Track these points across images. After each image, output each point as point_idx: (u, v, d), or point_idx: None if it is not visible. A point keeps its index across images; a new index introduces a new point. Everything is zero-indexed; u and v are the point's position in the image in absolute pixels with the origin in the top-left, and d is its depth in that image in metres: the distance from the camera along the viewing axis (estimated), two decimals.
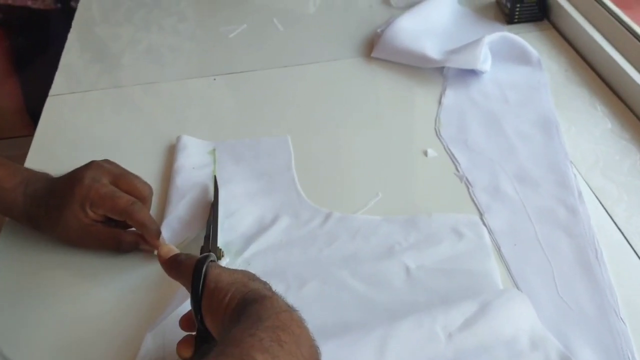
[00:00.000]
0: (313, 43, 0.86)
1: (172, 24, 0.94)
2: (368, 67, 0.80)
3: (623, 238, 0.54)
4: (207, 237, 0.52)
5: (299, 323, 0.37)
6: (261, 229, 0.57)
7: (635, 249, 0.53)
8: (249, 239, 0.56)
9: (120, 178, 0.55)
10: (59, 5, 1.22)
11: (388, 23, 0.83)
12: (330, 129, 0.70)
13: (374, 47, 0.81)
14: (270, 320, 0.35)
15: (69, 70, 0.84)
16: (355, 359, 0.44)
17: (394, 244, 0.55)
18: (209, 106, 0.76)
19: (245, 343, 0.33)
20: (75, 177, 0.54)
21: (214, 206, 0.56)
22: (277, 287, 0.51)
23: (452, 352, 0.45)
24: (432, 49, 0.77)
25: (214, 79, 0.80)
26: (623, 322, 0.47)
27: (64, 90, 0.80)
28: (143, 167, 0.61)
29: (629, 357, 0.45)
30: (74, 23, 0.96)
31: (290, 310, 0.38)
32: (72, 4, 1.20)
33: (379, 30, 0.84)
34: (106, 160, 0.56)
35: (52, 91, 0.80)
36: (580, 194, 0.58)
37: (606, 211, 0.57)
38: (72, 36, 0.92)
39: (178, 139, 0.67)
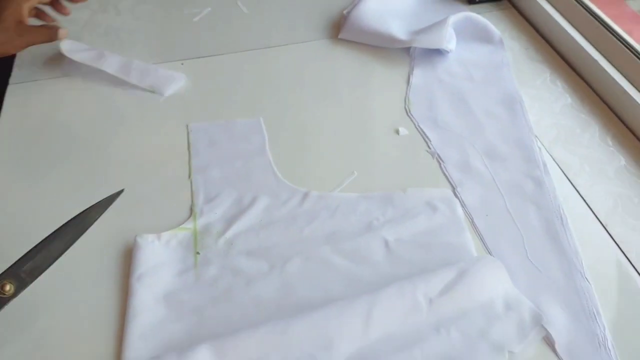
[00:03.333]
0: (279, 25, 0.86)
1: (129, 7, 0.92)
2: (335, 48, 0.81)
3: (586, 206, 0.58)
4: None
5: None
6: (241, 210, 0.58)
7: (597, 215, 0.57)
8: (230, 220, 0.57)
9: None
10: None
11: (354, 4, 0.84)
12: (301, 110, 0.71)
13: (340, 29, 0.82)
14: None
15: (26, 57, 0.81)
16: (342, 328, 0.46)
17: (372, 219, 0.56)
18: (179, 90, 0.75)
19: None
20: None
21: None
22: (261, 265, 0.53)
23: (433, 317, 0.47)
24: (398, 29, 0.78)
25: (182, 64, 0.80)
26: (588, 281, 0.51)
27: (24, 79, 0.77)
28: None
29: (593, 313, 0.49)
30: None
31: None
32: None
33: (345, 12, 0.85)
34: None
35: (11, 79, 0.77)
36: (545, 166, 0.61)
37: (570, 181, 0.60)
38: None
39: None
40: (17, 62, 0.81)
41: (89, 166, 0.63)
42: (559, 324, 0.48)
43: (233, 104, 0.72)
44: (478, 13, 0.82)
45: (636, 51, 0.67)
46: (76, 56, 0.76)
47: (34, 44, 0.70)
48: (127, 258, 0.54)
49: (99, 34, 0.85)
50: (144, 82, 0.74)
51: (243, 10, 0.91)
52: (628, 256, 0.53)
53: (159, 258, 0.54)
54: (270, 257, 0.54)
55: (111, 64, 0.75)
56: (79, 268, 0.53)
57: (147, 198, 0.60)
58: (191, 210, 0.58)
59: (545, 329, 0.47)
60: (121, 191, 0.52)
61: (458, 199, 0.59)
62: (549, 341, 0.47)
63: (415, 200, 0.58)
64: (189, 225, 0.57)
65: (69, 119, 0.71)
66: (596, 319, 0.48)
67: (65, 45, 0.76)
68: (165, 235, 0.55)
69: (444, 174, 0.62)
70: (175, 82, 0.75)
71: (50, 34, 0.70)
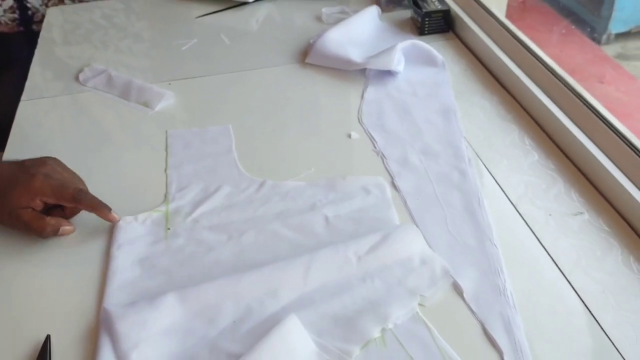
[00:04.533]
0: (256, 53, 1.00)
1: (128, 44, 1.05)
2: (303, 71, 0.94)
3: (501, 190, 0.69)
4: None
5: None
6: (206, 196, 0.69)
7: (509, 197, 0.68)
8: (196, 204, 0.68)
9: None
10: (21, 28, 1.31)
11: (319, 35, 0.98)
12: (269, 120, 0.83)
13: (307, 55, 0.95)
14: None
15: (33, 88, 0.94)
16: (286, 278, 0.57)
17: (316, 201, 0.68)
18: (165, 105, 0.88)
19: None
20: (28, 171, 0.62)
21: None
22: (221, 237, 0.64)
23: (360, 270, 0.58)
24: (356, 54, 0.92)
25: (169, 84, 0.92)
26: (496, 247, 0.62)
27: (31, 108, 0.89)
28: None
29: (497, 270, 0.59)
30: (38, 45, 1.06)
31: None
32: (34, 27, 1.30)
33: (311, 41, 0.98)
34: (54, 159, 0.66)
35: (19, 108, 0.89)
36: (470, 160, 0.73)
37: (490, 172, 0.72)
38: (36, 57, 1.02)
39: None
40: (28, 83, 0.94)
41: (90, 161, 0.75)
42: (469, 278, 0.59)
43: (210, 116, 0.85)
44: (427, 42, 0.95)
45: (551, 68, 0.80)
46: (90, 83, 0.89)
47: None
48: (110, 234, 0.65)
49: (100, 65, 0.98)
50: (140, 99, 0.87)
51: (225, 41, 1.04)
52: (532, 228, 0.64)
53: (136, 233, 0.64)
54: (228, 231, 0.64)
55: (116, 86, 0.88)
56: (70, 239, 0.64)
57: (129, 187, 0.71)
58: (165, 197, 0.69)
59: (452, 278, 0.58)
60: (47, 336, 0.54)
61: (395, 187, 0.70)
62: (459, 291, 0.58)
63: (353, 185, 0.69)
64: (162, 208, 0.68)
65: (79, 125, 0.83)
66: (499, 274, 0.59)
67: (82, 75, 0.90)
68: (141, 215, 0.66)
69: (386, 168, 0.73)
70: (165, 98, 0.87)
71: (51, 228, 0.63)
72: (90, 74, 0.92)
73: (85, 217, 0.66)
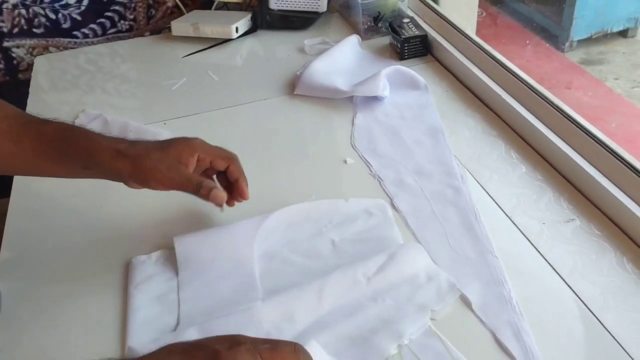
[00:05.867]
0: (245, 87, 1.03)
1: (114, 86, 1.08)
2: (292, 102, 0.97)
3: (495, 204, 0.72)
4: None
5: None
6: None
7: (503, 209, 0.71)
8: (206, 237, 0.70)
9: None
10: (7, 77, 1.32)
11: (305, 66, 1.01)
12: (266, 153, 0.86)
13: (295, 86, 0.99)
14: None
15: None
16: (300, 304, 0.59)
17: (321, 226, 0.70)
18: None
19: None
20: (185, 137, 0.66)
21: None
22: (233, 266, 0.65)
23: (371, 291, 0.61)
24: (342, 83, 0.95)
25: (164, 124, 0.95)
26: (497, 258, 0.65)
27: None
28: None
29: (501, 280, 0.62)
30: (30, 94, 1.07)
31: None
32: (20, 75, 1.32)
33: (298, 73, 1.02)
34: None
35: None
36: (462, 177, 0.77)
37: (482, 187, 0.75)
38: (28, 106, 1.04)
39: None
40: None
41: (100, 202, 0.77)
42: (474, 290, 0.62)
43: None
44: (408, 66, 1.00)
45: (527, 83, 0.84)
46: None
47: (179, 190, 0.63)
48: (125, 273, 0.67)
49: (93, 109, 1.00)
50: None
51: (214, 78, 1.07)
52: (528, 237, 0.67)
53: (151, 271, 0.66)
54: (239, 260, 0.66)
55: (113, 130, 0.90)
56: (88, 280, 0.66)
57: (141, 226, 0.73)
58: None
59: (460, 291, 0.61)
60: None
61: (395, 207, 0.73)
62: (467, 303, 0.60)
63: (355, 208, 0.72)
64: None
65: None
66: (503, 285, 0.62)
67: (78, 121, 0.92)
68: (155, 254, 0.68)
69: (383, 190, 0.76)
70: (162, 138, 0.89)
71: (204, 188, 0.63)
72: (86, 120, 0.94)
73: (98, 255, 0.68)
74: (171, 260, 0.68)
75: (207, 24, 1.16)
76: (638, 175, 0.66)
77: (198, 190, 0.63)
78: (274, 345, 0.45)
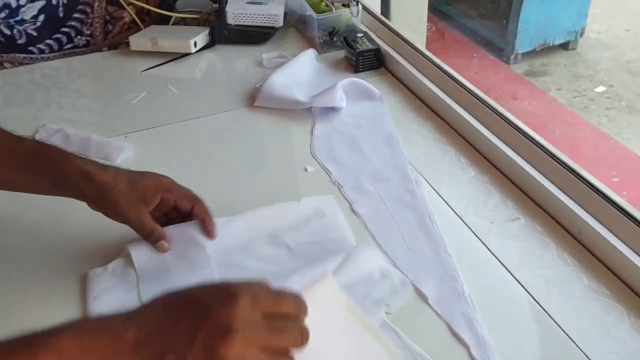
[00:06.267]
0: (205, 100, 1.05)
1: (71, 101, 1.08)
2: (253, 114, 1.00)
3: (447, 206, 0.77)
4: None
5: None
6: None
7: (455, 210, 0.76)
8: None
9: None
10: None
11: (264, 79, 1.05)
12: (228, 163, 0.89)
13: (255, 98, 1.02)
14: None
15: None
16: None
17: (276, 231, 0.73)
18: (125, 157, 0.91)
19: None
20: (156, 174, 0.69)
21: None
22: (192, 272, 0.67)
23: None
24: (301, 94, 0.99)
25: (126, 137, 0.96)
26: (450, 255, 0.70)
27: None
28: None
29: (454, 275, 0.67)
30: None
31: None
32: None
33: (257, 85, 1.05)
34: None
35: None
36: (417, 182, 0.81)
37: (435, 191, 0.80)
38: None
39: None
40: None
41: (57, 216, 0.78)
42: (431, 285, 0.66)
43: (170, 165, 0.88)
44: (363, 78, 1.04)
45: (475, 93, 0.90)
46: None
47: (131, 228, 0.67)
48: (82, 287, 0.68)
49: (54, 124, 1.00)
50: (100, 154, 0.90)
51: (173, 91, 1.09)
52: (478, 236, 0.72)
53: (109, 283, 0.67)
54: (199, 266, 0.68)
55: (75, 143, 0.91)
56: (44, 295, 0.67)
57: (96, 236, 0.74)
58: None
59: (412, 286, 0.65)
60: None
61: (354, 212, 0.77)
62: (424, 298, 0.65)
63: (308, 208, 0.76)
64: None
65: None
66: (457, 279, 0.67)
67: (38, 136, 0.92)
68: (111, 265, 0.69)
69: (343, 196, 0.80)
70: (124, 151, 0.91)
71: (153, 237, 0.67)
72: (46, 134, 0.94)
73: (55, 270, 0.69)
74: (128, 269, 0.69)
75: (166, 38, 1.18)
76: (575, 175, 0.72)
77: (147, 237, 0.68)
78: (276, 297, 0.44)
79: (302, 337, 0.46)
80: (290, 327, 0.45)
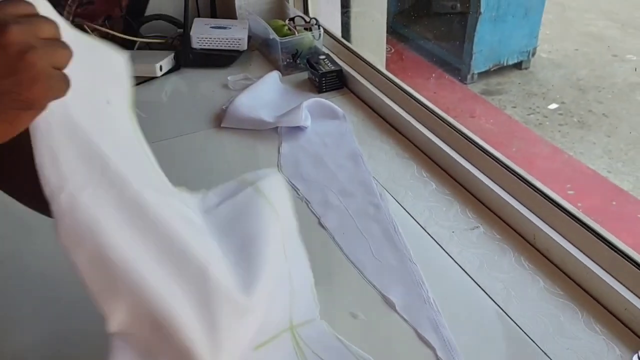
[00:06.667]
0: (172, 122, 1.07)
1: None
2: (220, 134, 1.03)
3: (411, 217, 0.81)
4: None
5: None
6: None
7: (418, 221, 0.80)
8: None
9: None
10: None
11: (230, 101, 1.07)
12: (196, 183, 0.90)
13: (222, 120, 1.04)
14: None
15: None
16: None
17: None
18: None
19: None
20: None
21: None
22: None
23: None
24: (267, 115, 1.02)
25: None
26: (415, 264, 0.73)
27: None
28: None
29: (419, 283, 0.70)
30: None
31: None
32: None
33: (224, 107, 1.07)
34: None
35: None
36: (381, 195, 0.85)
37: (399, 203, 0.84)
38: None
39: None
40: None
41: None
42: (398, 293, 0.69)
43: None
44: (326, 98, 1.08)
45: (434, 110, 0.95)
46: None
47: None
48: None
49: None
50: None
51: (140, 114, 1.10)
52: (440, 244, 0.76)
53: None
54: None
55: None
56: None
57: None
58: None
59: (381, 294, 0.68)
60: None
61: (322, 226, 0.80)
62: (392, 305, 0.67)
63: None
64: None
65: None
66: (422, 286, 0.70)
67: None
68: None
69: (311, 211, 0.83)
70: None
71: None
72: None
73: None
74: None
75: (131, 62, 1.20)
76: (528, 185, 0.77)
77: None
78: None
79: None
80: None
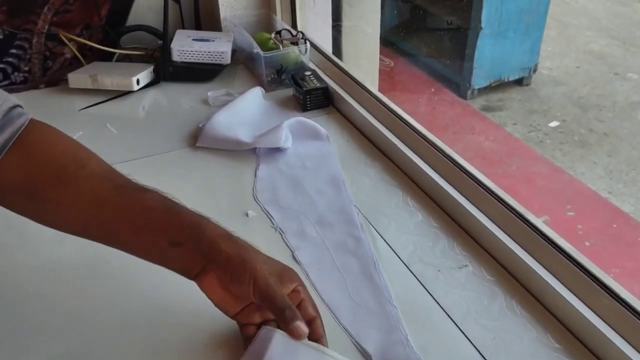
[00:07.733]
0: (146, 140, 1.00)
1: None
2: (194, 154, 0.96)
3: (393, 252, 0.74)
4: None
5: None
6: None
7: (401, 257, 0.73)
8: None
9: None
10: None
11: (208, 118, 1.01)
12: None
13: (198, 139, 0.97)
14: None
15: None
16: None
17: None
18: None
19: None
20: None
21: None
22: None
23: None
24: (245, 135, 0.96)
25: None
26: (395, 307, 0.66)
27: None
28: None
29: (400, 329, 0.63)
30: None
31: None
32: None
33: (200, 125, 1.01)
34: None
35: None
36: (362, 226, 0.78)
37: (381, 236, 0.77)
38: None
39: None
40: None
41: None
42: (374, 340, 0.62)
43: None
44: (311, 117, 1.02)
45: (423, 134, 0.88)
46: None
47: (260, 302, 0.55)
48: None
49: None
50: None
51: (112, 131, 1.04)
52: (424, 284, 0.69)
53: None
54: None
55: None
56: None
57: None
58: None
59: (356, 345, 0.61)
60: None
61: (296, 260, 0.73)
62: (367, 355, 0.60)
63: None
64: None
65: None
66: (401, 331, 0.63)
67: None
68: None
69: (285, 243, 0.76)
70: None
71: (291, 312, 0.53)
72: None
73: None
74: None
75: (107, 75, 1.14)
76: (525, 223, 0.70)
77: (283, 311, 0.53)
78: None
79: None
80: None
